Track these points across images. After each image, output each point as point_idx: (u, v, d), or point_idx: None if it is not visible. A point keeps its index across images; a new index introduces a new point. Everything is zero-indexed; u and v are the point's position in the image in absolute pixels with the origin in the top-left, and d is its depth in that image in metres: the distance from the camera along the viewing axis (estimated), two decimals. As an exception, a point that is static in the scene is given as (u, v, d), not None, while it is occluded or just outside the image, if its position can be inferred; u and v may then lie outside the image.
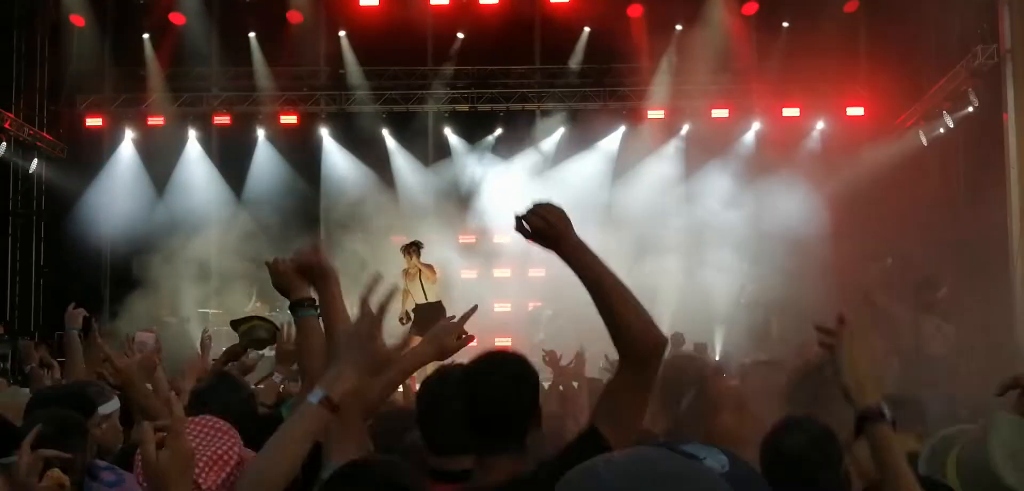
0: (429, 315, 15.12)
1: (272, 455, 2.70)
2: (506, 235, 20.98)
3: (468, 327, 4.08)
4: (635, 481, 1.34)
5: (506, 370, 3.26)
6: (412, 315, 15.95)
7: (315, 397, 2.72)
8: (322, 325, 3.59)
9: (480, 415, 3.17)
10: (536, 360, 3.47)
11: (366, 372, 2.81)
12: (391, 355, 2.83)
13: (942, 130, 18.86)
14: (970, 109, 17.63)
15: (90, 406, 4.87)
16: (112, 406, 5.49)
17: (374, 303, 2.80)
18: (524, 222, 3.15)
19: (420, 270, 16.21)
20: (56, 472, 3.36)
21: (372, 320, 2.78)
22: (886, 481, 2.66)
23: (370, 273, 2.86)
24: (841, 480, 3.10)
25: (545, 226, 3.13)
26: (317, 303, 3.64)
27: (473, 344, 3.98)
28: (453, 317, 4.02)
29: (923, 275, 8.94)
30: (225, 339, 18.87)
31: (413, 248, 16.17)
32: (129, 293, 19.19)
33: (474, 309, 3.91)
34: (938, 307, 8.42)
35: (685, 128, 21.76)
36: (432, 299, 16.11)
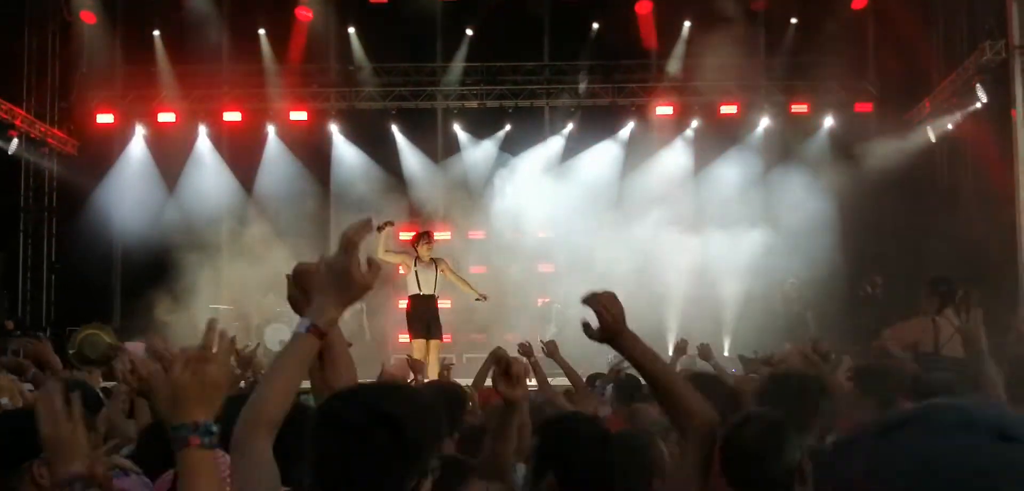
0: (424, 310, 15.06)
1: (268, 386, 2.83)
2: (516, 231, 21.07)
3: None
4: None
5: None
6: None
7: (303, 326, 2.83)
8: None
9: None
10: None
11: (346, 300, 2.92)
12: (367, 281, 2.88)
13: (951, 126, 18.87)
14: (978, 105, 17.63)
15: (97, 401, 4.92)
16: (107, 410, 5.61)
17: (350, 234, 2.88)
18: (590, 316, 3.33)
19: (435, 261, 15.47)
20: None
21: (348, 250, 2.86)
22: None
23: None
24: (792, 469, 3.15)
25: (611, 321, 3.32)
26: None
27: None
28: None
29: (936, 275, 8.90)
30: (237, 335, 19.02)
31: (425, 237, 15.53)
32: (139, 289, 19.28)
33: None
34: (957, 307, 8.34)
35: (694, 124, 21.78)
36: (430, 291, 15.31)
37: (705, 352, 9.96)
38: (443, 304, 15.93)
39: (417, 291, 15.20)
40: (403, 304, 16.15)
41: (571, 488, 3.24)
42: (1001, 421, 1.23)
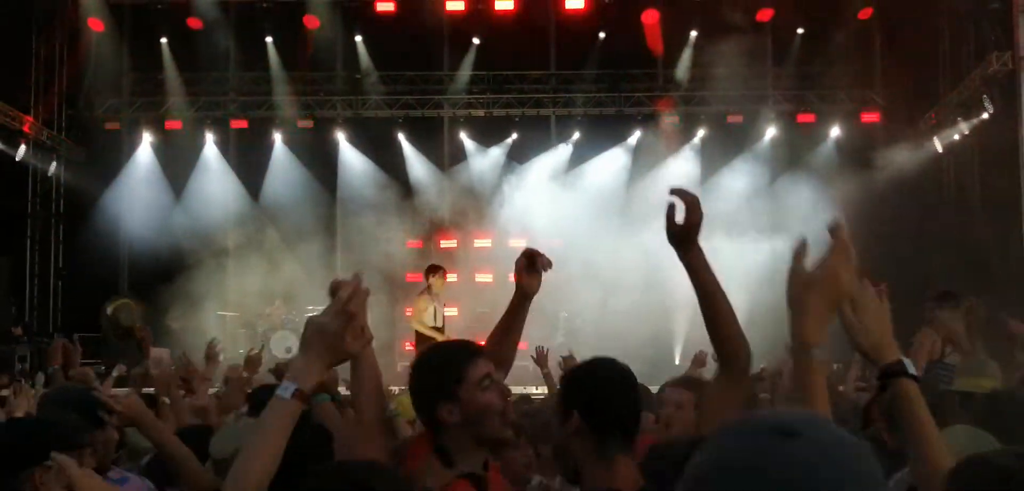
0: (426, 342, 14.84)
1: (251, 454, 2.74)
2: (522, 238, 21.06)
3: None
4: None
5: None
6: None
7: (287, 391, 2.77)
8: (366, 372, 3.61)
9: None
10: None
11: (332, 363, 2.93)
12: (356, 348, 2.88)
13: (957, 137, 18.87)
14: (985, 116, 17.65)
15: (95, 415, 4.91)
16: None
17: (344, 297, 2.85)
18: (679, 210, 3.43)
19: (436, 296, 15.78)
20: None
21: (342, 312, 2.84)
22: (911, 437, 2.64)
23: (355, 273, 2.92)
24: None
25: (692, 224, 3.44)
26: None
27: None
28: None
29: (943, 289, 8.91)
30: (243, 341, 19.08)
31: (437, 270, 15.79)
32: (146, 296, 19.29)
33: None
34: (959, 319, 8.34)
35: (700, 133, 21.78)
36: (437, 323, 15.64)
37: (700, 358, 9.99)
38: (450, 312, 16.50)
39: (433, 324, 15.47)
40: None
41: (595, 423, 3.25)
42: (784, 420, 1.36)
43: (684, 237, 3.46)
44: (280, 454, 2.74)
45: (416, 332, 15.59)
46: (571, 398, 3.36)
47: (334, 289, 2.92)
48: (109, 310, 9.20)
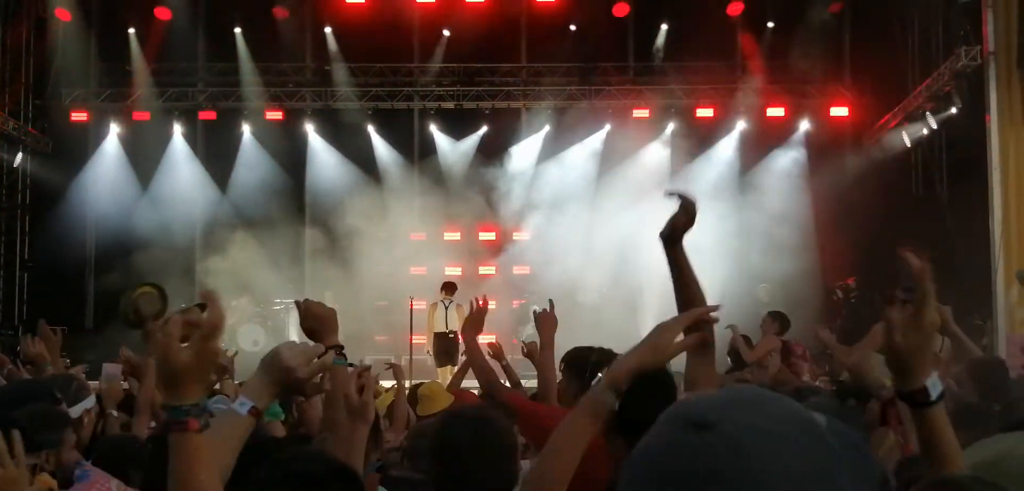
0: (445, 345, 17.04)
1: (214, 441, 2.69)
2: (489, 232, 21.11)
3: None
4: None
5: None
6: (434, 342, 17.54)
7: (243, 407, 2.77)
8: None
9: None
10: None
11: (284, 392, 2.94)
12: (316, 392, 3.00)
13: (925, 131, 18.94)
14: (953, 110, 17.72)
15: (62, 418, 4.86)
16: (88, 403, 5.59)
17: (320, 355, 2.94)
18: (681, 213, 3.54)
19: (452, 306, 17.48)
20: (44, 477, 3.38)
21: (314, 365, 2.88)
22: (937, 463, 2.59)
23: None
24: None
25: (682, 225, 3.54)
26: (344, 350, 3.71)
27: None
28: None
29: (905, 283, 8.97)
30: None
31: (450, 288, 17.60)
32: (113, 288, 19.12)
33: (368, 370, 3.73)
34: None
35: (670, 127, 21.77)
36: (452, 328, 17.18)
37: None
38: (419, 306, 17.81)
39: (443, 329, 17.34)
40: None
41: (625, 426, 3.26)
42: (696, 411, 1.35)
43: (675, 236, 3.59)
44: (231, 465, 2.73)
45: (434, 334, 17.52)
46: (599, 366, 3.41)
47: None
48: (134, 295, 9.03)
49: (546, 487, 2.73)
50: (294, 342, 2.93)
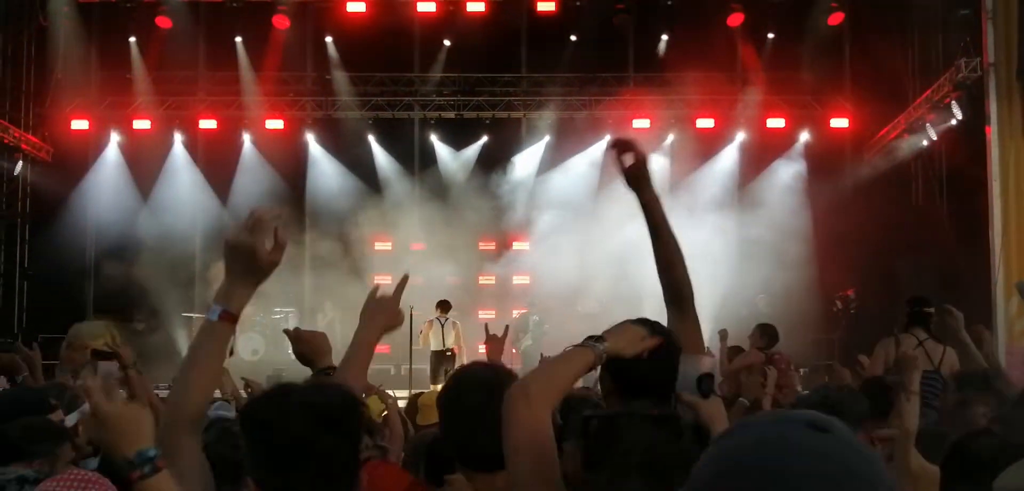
0: (443, 363, 17.48)
1: (186, 381, 2.77)
2: (490, 242, 21.09)
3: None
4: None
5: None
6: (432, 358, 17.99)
7: (214, 314, 2.78)
8: None
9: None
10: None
11: (254, 281, 2.87)
12: (275, 258, 2.85)
13: (925, 142, 18.93)
14: (953, 122, 17.71)
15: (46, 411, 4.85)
16: (82, 412, 5.52)
17: (259, 213, 2.86)
18: (624, 153, 3.75)
19: (448, 323, 18.06)
20: None
21: (254, 229, 2.81)
22: None
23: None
24: None
25: (643, 165, 3.73)
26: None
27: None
28: (378, 288, 3.89)
29: (916, 295, 8.97)
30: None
31: (446, 306, 18.05)
32: (113, 297, 19.14)
33: (405, 278, 3.85)
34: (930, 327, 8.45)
35: (670, 138, 21.76)
36: (449, 345, 17.88)
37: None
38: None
39: (440, 347, 17.89)
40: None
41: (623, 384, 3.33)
42: (815, 416, 1.43)
43: (638, 176, 3.75)
44: (216, 380, 2.86)
45: (432, 352, 17.98)
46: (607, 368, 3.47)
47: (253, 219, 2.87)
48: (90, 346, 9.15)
49: (544, 382, 2.91)
50: (237, 224, 2.86)
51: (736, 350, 11.43)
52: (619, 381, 3.31)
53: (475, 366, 3.68)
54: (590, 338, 3.13)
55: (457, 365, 16.33)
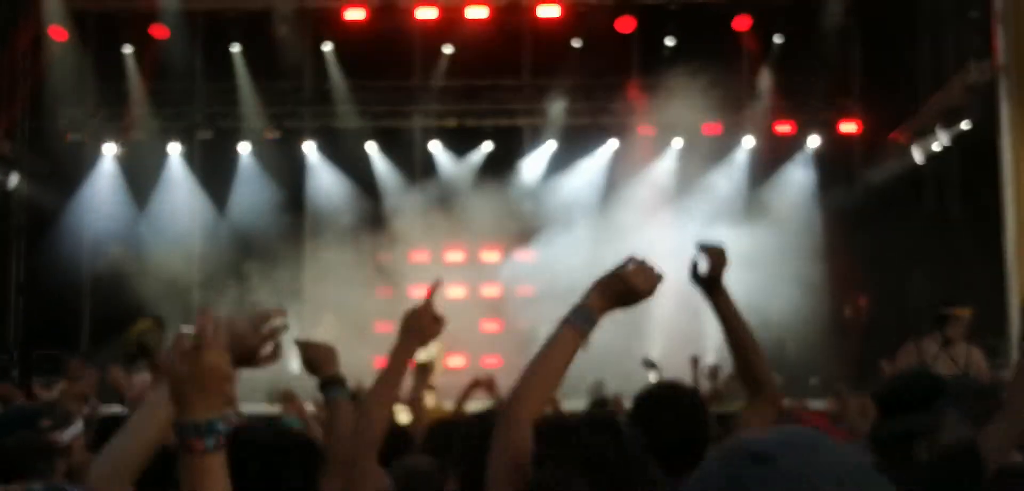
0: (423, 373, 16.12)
1: (131, 440, 2.72)
2: (492, 252, 20.86)
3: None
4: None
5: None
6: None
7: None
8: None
9: None
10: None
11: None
12: (270, 363, 2.83)
13: (937, 146, 18.69)
14: (965, 126, 17.48)
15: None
16: (75, 429, 5.37)
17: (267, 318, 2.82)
18: (703, 261, 3.82)
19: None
20: None
21: (262, 334, 2.77)
22: None
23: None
24: None
25: (717, 270, 3.80)
26: (346, 382, 3.89)
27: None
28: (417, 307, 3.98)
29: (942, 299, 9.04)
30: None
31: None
32: (109, 311, 18.92)
33: (438, 283, 4.02)
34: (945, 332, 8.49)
35: (677, 143, 21.50)
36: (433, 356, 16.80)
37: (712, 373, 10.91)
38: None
39: (426, 359, 16.44)
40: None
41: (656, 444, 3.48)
42: (758, 446, 1.45)
43: (710, 283, 3.82)
44: (159, 443, 2.75)
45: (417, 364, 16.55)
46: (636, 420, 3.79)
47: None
48: (134, 331, 9.24)
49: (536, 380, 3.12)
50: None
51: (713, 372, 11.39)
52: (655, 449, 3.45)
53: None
54: (572, 312, 3.35)
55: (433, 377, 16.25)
